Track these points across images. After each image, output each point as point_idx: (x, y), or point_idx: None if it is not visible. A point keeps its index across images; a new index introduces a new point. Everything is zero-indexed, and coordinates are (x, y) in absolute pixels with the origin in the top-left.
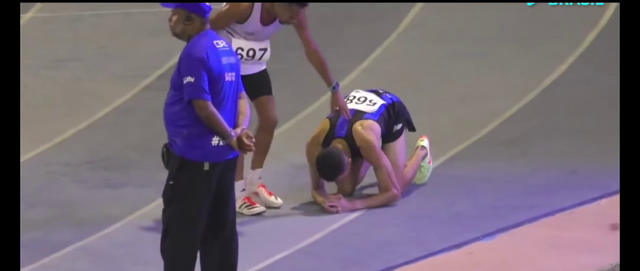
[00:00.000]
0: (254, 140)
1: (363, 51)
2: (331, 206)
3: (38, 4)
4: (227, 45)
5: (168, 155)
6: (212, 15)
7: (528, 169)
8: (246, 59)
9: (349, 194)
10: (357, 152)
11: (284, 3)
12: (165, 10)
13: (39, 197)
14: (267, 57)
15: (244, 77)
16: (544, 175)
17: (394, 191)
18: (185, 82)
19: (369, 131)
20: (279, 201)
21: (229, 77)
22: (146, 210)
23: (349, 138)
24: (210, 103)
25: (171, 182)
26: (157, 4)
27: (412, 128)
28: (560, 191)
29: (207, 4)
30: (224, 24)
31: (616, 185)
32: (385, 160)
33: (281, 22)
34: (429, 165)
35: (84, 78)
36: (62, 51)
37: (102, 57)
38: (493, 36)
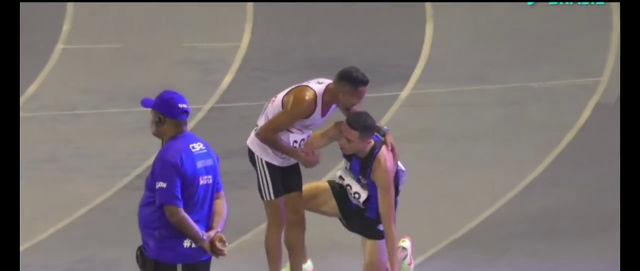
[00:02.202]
0: (226, 244)
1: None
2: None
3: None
4: (204, 148)
5: (142, 258)
6: (274, 121)
7: None
8: None
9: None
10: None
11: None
12: (142, 110)
13: None
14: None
15: (289, 167)
16: None
17: (391, 228)
18: (157, 186)
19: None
20: None
21: (205, 180)
22: None
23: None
24: (181, 209)
25: None
26: (134, 104)
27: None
28: None
29: (185, 106)
30: (289, 126)
31: None
32: (392, 191)
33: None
34: (409, 267)
35: (62, 178)
36: (40, 152)
37: (80, 157)
38: (470, 135)
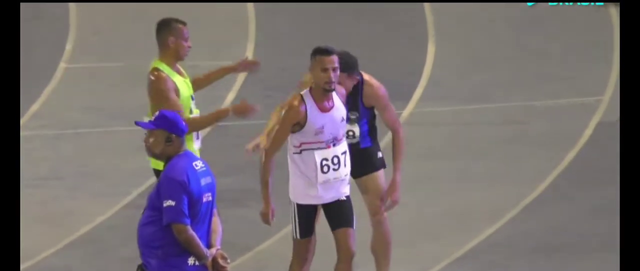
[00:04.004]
0: (228, 260)
1: None
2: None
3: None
4: (204, 165)
5: None
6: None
7: None
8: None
9: None
10: None
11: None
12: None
13: None
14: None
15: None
16: None
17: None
18: (165, 205)
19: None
20: None
21: (206, 197)
22: None
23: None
24: (189, 227)
25: None
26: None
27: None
28: None
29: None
30: (285, 135)
31: None
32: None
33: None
34: None
35: (65, 196)
36: (43, 170)
37: (83, 176)
38: (472, 154)
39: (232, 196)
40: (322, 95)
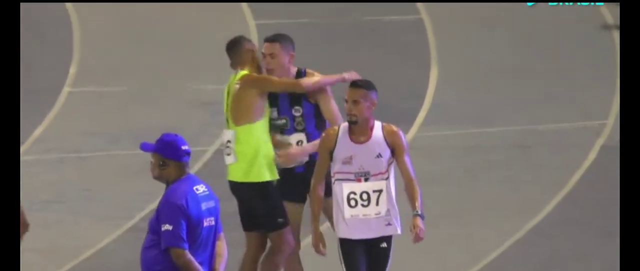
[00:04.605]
0: None
1: None
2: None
3: (23, 146)
4: (207, 190)
5: None
6: None
7: None
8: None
9: None
10: None
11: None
12: (147, 153)
13: None
14: None
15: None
16: None
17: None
18: (163, 229)
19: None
20: None
21: (208, 222)
22: None
23: None
24: (187, 252)
25: None
26: (139, 146)
27: None
28: None
29: (187, 148)
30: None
31: None
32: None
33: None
34: None
35: (68, 220)
36: (46, 193)
37: (86, 199)
38: (476, 177)
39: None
40: (356, 127)
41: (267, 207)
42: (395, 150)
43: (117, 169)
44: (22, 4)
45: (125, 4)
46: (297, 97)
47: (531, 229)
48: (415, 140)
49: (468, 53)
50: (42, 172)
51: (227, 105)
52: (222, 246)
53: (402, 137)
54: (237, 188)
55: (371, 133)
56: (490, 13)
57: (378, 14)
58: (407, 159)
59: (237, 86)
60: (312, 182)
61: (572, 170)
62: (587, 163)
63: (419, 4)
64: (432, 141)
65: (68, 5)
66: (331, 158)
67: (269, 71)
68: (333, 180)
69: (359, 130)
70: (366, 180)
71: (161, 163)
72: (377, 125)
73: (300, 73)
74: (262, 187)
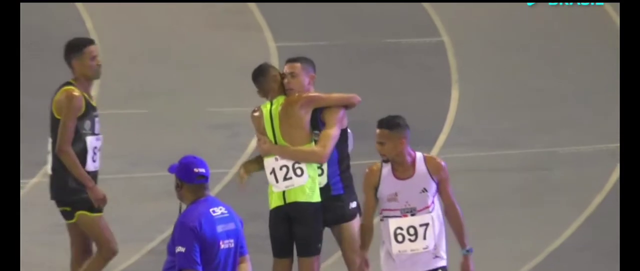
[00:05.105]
0: None
1: None
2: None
3: (44, 169)
4: (226, 212)
5: None
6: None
7: None
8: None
9: None
10: None
11: None
12: (168, 175)
13: None
14: None
15: None
16: None
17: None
18: (176, 251)
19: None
20: None
21: (226, 244)
22: None
23: None
24: None
25: None
26: (160, 169)
27: None
28: None
29: (202, 171)
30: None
31: None
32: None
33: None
34: None
35: None
36: None
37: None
38: (496, 200)
39: (256, 242)
40: (396, 163)
41: (318, 229)
42: (440, 184)
43: (137, 192)
44: (43, 26)
45: (145, 26)
46: (316, 120)
47: (552, 252)
48: None
49: (489, 75)
50: None
51: (273, 129)
52: (245, 269)
53: (446, 170)
54: (304, 209)
55: (414, 168)
56: (512, 36)
57: (398, 36)
58: (450, 190)
59: (288, 108)
60: (363, 221)
61: (593, 192)
62: (608, 186)
63: (439, 26)
64: (452, 163)
65: (89, 25)
66: (376, 196)
67: (289, 91)
68: (380, 217)
69: (401, 166)
70: (413, 215)
71: (178, 184)
72: (420, 158)
73: None
74: (319, 208)
